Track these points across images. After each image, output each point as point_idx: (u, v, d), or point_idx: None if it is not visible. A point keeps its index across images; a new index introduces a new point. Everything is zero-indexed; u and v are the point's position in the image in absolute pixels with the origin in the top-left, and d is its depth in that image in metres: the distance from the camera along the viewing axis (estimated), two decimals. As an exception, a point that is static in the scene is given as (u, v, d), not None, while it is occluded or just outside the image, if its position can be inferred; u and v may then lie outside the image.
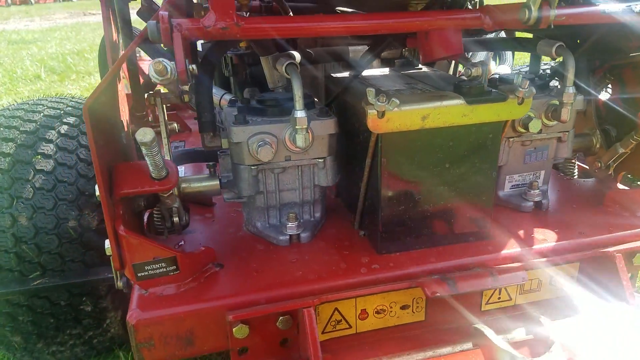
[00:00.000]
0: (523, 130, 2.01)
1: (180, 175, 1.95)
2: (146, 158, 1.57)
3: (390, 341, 1.78)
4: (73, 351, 2.31)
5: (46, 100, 2.56)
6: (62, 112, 2.46)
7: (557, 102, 1.99)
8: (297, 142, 1.75)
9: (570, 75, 1.91)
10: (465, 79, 1.87)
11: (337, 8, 2.35)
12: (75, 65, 10.07)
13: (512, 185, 2.19)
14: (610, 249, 1.85)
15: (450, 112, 1.69)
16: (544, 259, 1.84)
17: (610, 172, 2.31)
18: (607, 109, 2.37)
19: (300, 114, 1.71)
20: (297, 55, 2.10)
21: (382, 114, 1.62)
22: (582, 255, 1.88)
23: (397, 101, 1.59)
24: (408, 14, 1.84)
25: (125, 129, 1.92)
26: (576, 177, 2.54)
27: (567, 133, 2.12)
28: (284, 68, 1.77)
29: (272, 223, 2.01)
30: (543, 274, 1.90)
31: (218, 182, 1.94)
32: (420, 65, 2.33)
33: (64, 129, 2.38)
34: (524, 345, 1.50)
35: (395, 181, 1.78)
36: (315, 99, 2.08)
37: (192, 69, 1.37)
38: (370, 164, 1.79)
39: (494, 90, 1.78)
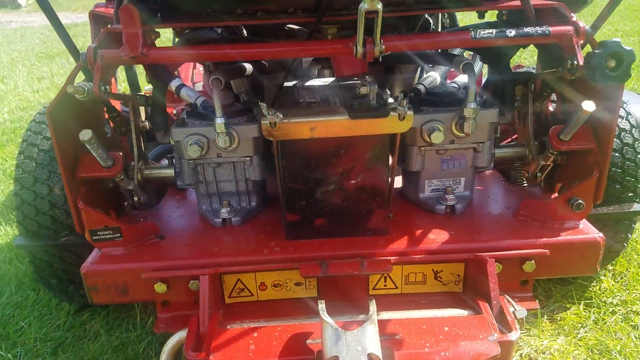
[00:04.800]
0: (429, 140, 2.20)
1: (162, 164, 2.50)
2: (91, 152, 2.05)
3: (282, 309, 2.16)
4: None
5: None
6: None
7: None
8: (218, 143, 2.15)
9: (472, 91, 2.11)
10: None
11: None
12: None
13: (432, 189, 2.40)
14: (484, 254, 2.05)
15: (336, 125, 2.00)
16: (426, 256, 2.11)
17: (539, 182, 2.42)
18: (546, 121, 2.46)
19: (218, 120, 2.09)
20: (249, 67, 2.49)
21: (274, 124, 1.97)
22: (459, 257, 2.11)
23: (281, 116, 1.94)
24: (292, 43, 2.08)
25: (112, 124, 2.40)
26: (525, 185, 2.67)
27: (482, 144, 2.28)
28: (210, 82, 2.16)
29: (214, 207, 2.42)
30: (428, 270, 2.15)
31: (173, 171, 2.39)
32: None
33: None
34: (354, 324, 1.82)
35: (294, 181, 2.13)
36: (263, 104, 2.43)
37: (105, 88, 1.84)
38: (277, 164, 2.15)
39: (380, 106, 2.05)
